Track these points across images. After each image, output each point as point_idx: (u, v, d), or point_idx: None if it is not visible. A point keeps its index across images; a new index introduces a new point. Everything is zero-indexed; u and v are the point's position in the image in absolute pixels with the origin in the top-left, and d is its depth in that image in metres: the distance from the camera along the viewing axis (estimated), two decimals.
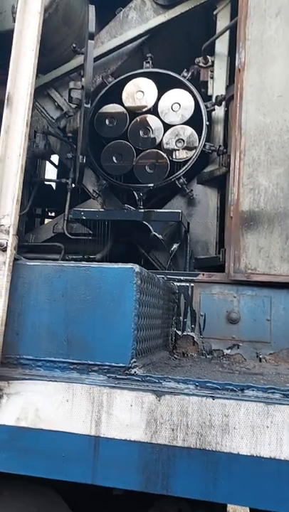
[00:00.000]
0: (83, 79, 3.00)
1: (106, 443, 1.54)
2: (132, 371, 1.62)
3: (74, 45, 3.35)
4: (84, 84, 2.96)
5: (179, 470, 1.49)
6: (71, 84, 3.24)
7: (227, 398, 1.50)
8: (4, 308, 1.69)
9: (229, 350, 2.44)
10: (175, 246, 3.12)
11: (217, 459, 1.47)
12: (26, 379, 1.65)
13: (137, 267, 1.69)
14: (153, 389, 1.56)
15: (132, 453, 1.52)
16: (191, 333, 2.53)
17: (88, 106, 2.99)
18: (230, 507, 2.95)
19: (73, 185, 3.56)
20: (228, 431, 1.47)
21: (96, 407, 1.57)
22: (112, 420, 1.55)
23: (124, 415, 1.55)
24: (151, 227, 3.04)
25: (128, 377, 1.61)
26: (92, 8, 2.91)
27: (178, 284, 2.61)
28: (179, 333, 2.54)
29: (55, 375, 1.66)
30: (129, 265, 1.69)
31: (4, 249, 1.71)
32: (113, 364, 1.64)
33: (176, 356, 2.36)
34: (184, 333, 2.54)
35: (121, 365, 1.63)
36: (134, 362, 1.63)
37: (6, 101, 1.80)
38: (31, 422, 1.62)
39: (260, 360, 2.36)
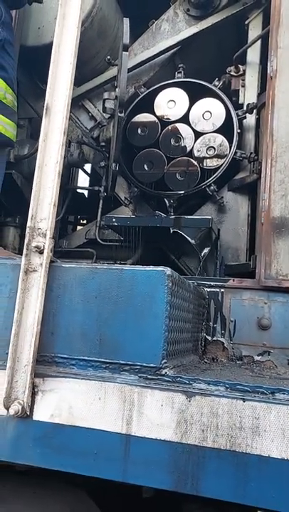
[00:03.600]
0: (117, 89, 3.09)
1: (137, 441, 1.57)
2: (163, 372, 1.64)
3: (108, 57, 3.46)
4: (118, 95, 3.05)
5: (208, 471, 1.50)
6: (105, 95, 3.34)
7: (257, 401, 1.50)
8: (40, 309, 1.76)
9: (260, 357, 2.43)
10: (206, 250, 3.13)
11: (247, 461, 1.47)
12: (60, 377, 1.71)
13: (168, 270, 1.73)
14: (183, 390, 1.58)
15: (162, 452, 1.55)
16: (221, 339, 2.53)
17: (122, 115, 3.07)
18: None
19: (105, 193, 3.64)
20: (259, 433, 1.47)
21: (127, 405, 1.61)
22: (143, 419, 1.58)
23: (155, 415, 1.57)
24: (183, 233, 3.08)
25: (159, 377, 1.64)
26: (126, 21, 3.01)
27: (208, 289, 2.62)
28: (209, 338, 2.55)
29: (88, 373, 1.71)
30: (161, 268, 1.73)
31: (41, 252, 1.78)
32: (144, 364, 1.67)
33: (206, 361, 2.37)
34: (214, 339, 2.54)
35: (152, 365, 1.66)
36: (165, 363, 1.66)
37: (44, 111, 1.89)
38: (65, 419, 1.67)
39: None
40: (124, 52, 2.95)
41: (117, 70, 3.36)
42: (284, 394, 1.52)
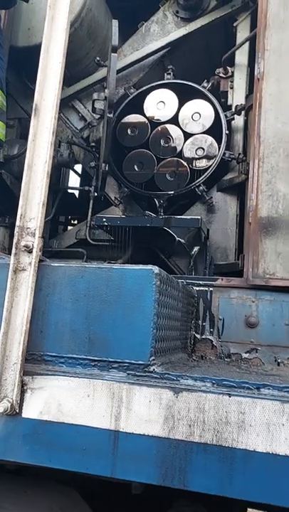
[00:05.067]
0: (106, 90, 3.12)
1: (125, 437, 1.60)
2: (151, 368, 1.67)
3: (98, 59, 3.48)
4: (107, 95, 3.07)
5: (195, 465, 1.52)
6: (95, 96, 3.36)
7: (243, 396, 1.53)
8: (29, 307, 1.78)
9: (247, 354, 2.47)
10: (195, 250, 3.17)
11: (233, 455, 1.50)
12: (49, 374, 1.72)
13: (156, 269, 1.76)
14: (171, 386, 1.60)
15: (150, 447, 1.57)
16: (210, 337, 2.56)
17: (111, 116, 3.10)
18: None
19: (96, 194, 3.66)
20: (244, 428, 1.50)
21: (116, 402, 1.63)
22: (131, 415, 1.60)
23: (143, 411, 1.60)
24: (173, 233, 3.11)
25: (147, 374, 1.66)
26: (115, 23, 3.03)
27: (197, 288, 2.65)
28: (198, 336, 2.58)
29: (77, 371, 1.73)
30: (149, 267, 1.76)
31: (30, 251, 1.79)
32: (133, 361, 1.69)
33: (194, 358, 2.40)
34: (203, 337, 2.57)
35: (140, 362, 1.69)
36: (153, 360, 1.69)
37: (33, 111, 1.91)
38: (54, 416, 1.68)
39: (278, 364, 2.38)
40: (112, 54, 2.98)
41: (106, 71, 3.38)
42: (269, 389, 1.55)
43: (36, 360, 1.80)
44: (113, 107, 3.12)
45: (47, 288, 1.84)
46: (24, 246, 1.79)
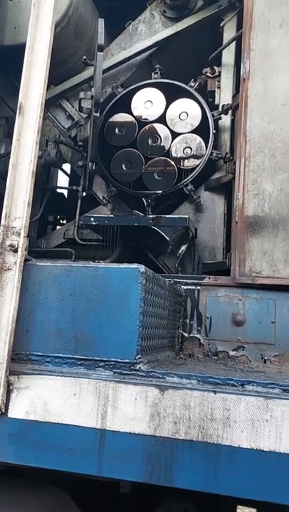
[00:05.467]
0: (93, 89, 3.11)
1: (111, 436, 1.60)
2: (137, 367, 1.68)
3: (84, 58, 3.48)
4: (93, 94, 3.07)
5: (181, 462, 1.53)
6: (81, 95, 3.35)
7: (228, 393, 1.55)
8: (15, 307, 1.77)
9: (234, 352, 2.49)
10: (183, 249, 3.18)
11: (218, 451, 1.51)
12: (35, 374, 1.72)
13: (142, 267, 1.76)
14: (157, 383, 1.61)
15: (136, 445, 1.58)
16: (198, 335, 2.58)
17: (97, 115, 3.09)
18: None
19: (84, 193, 3.66)
20: (229, 424, 1.52)
21: (102, 401, 1.63)
22: (118, 414, 1.61)
23: (129, 409, 1.60)
24: (161, 232, 3.12)
25: (133, 372, 1.67)
26: (101, 22, 3.03)
27: (185, 287, 2.66)
28: (186, 335, 2.60)
29: (63, 370, 1.73)
30: (135, 265, 1.77)
31: (15, 250, 1.79)
32: (119, 360, 1.70)
33: (181, 357, 2.42)
34: (191, 335, 2.59)
35: (126, 360, 1.69)
36: (139, 358, 1.69)
37: (18, 110, 1.90)
38: (40, 416, 1.68)
39: (264, 362, 2.40)
40: (99, 53, 2.98)
41: (93, 70, 3.37)
42: (253, 385, 1.57)
43: (22, 359, 1.79)
44: (99, 106, 3.12)
45: (33, 287, 1.84)
46: (9, 245, 1.79)
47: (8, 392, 1.72)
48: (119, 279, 1.75)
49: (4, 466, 2.03)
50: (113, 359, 1.71)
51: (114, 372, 1.69)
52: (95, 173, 3.38)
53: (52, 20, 1.92)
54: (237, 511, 2.94)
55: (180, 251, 3.18)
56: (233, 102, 3.35)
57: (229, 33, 3.43)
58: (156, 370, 1.67)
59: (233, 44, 3.40)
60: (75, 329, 1.77)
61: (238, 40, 3.23)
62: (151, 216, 3.23)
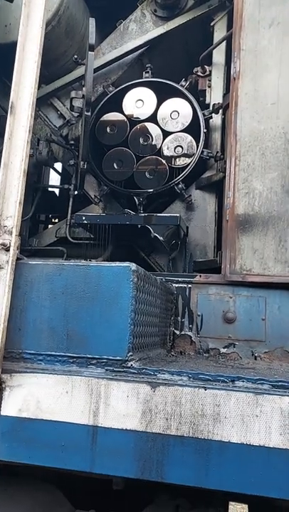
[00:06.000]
0: (84, 88, 3.12)
1: (103, 432, 1.62)
2: (129, 364, 1.69)
3: (76, 57, 3.48)
4: (84, 93, 3.07)
5: (172, 458, 1.56)
6: (73, 94, 3.35)
7: (218, 389, 1.57)
8: (7, 305, 1.78)
9: (225, 349, 2.51)
10: (174, 247, 3.20)
11: (209, 447, 1.54)
12: (28, 372, 1.73)
13: (133, 266, 1.78)
14: (148, 380, 1.63)
15: (128, 442, 1.59)
16: (189, 333, 2.60)
17: (88, 114, 3.10)
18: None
19: (75, 192, 3.66)
20: (220, 420, 1.54)
21: (94, 398, 1.65)
22: (110, 410, 1.63)
23: (121, 406, 1.62)
24: (152, 230, 3.13)
25: (125, 369, 1.69)
26: (92, 21, 3.03)
27: (176, 285, 2.69)
28: (177, 332, 2.62)
29: (55, 368, 1.74)
30: (126, 263, 1.78)
31: (7, 249, 1.80)
32: (110, 357, 1.72)
33: (173, 354, 2.44)
34: (182, 333, 2.61)
35: (118, 358, 1.71)
36: (131, 355, 1.71)
37: (9, 109, 1.91)
38: (33, 413, 1.69)
39: (255, 358, 2.43)
40: (90, 52, 2.98)
41: (84, 69, 3.37)
42: (243, 381, 1.60)
43: (15, 357, 1.80)
44: (90, 104, 3.12)
45: (25, 286, 1.84)
46: (1, 244, 1.79)
47: (1, 390, 1.73)
48: (110, 278, 1.77)
49: None
50: (105, 357, 1.72)
51: (106, 370, 1.70)
52: (87, 171, 3.39)
53: (43, 19, 1.93)
54: (229, 508, 2.98)
55: (171, 250, 3.20)
56: (223, 101, 3.37)
57: (220, 32, 3.45)
58: (148, 368, 1.69)
59: (224, 43, 3.42)
60: (67, 327, 1.78)
61: (229, 39, 3.25)
62: (142, 215, 3.24)
